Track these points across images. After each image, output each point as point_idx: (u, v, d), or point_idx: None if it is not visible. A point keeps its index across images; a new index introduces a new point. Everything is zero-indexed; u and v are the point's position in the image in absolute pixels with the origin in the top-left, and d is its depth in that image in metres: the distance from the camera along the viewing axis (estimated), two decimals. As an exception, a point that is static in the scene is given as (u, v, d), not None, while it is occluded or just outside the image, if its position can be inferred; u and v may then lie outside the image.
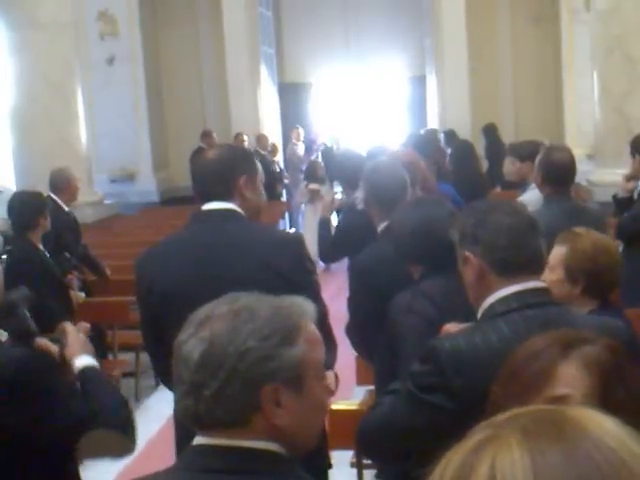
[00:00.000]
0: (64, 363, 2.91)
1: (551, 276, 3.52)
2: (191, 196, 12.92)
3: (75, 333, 3.00)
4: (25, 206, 6.28)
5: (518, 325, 2.61)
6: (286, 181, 17.07)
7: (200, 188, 3.47)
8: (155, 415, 7.30)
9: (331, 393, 1.99)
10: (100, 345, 6.47)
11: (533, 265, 2.72)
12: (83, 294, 7.61)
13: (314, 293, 3.24)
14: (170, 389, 3.21)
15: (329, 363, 2.67)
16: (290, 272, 3.26)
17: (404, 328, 3.38)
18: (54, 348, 2.98)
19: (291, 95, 20.49)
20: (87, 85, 13.94)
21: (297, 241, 3.47)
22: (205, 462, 1.81)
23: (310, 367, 1.86)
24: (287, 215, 16.52)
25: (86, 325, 6.58)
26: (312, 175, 15.14)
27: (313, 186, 14.78)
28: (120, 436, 2.78)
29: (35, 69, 12.70)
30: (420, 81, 19.79)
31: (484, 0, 17.99)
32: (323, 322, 2.99)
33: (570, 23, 16.35)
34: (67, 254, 7.16)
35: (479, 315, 2.75)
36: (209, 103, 19.23)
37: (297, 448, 1.89)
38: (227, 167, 3.41)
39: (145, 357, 8.17)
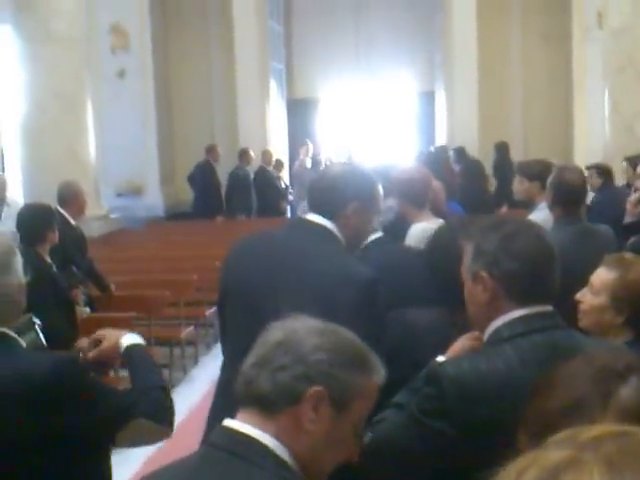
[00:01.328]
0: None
1: (594, 300, 3.46)
2: (190, 212, 12.98)
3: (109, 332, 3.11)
4: (34, 219, 6.28)
5: (525, 350, 2.58)
6: (291, 197, 17.08)
7: (311, 198, 3.49)
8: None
9: (355, 455, 2.06)
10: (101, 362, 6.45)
11: (548, 294, 2.69)
12: (88, 309, 7.60)
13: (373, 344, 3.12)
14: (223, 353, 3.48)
15: None
16: (343, 312, 3.00)
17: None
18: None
19: (299, 111, 20.51)
20: (97, 98, 13.97)
21: (368, 283, 3.22)
22: (224, 443, 1.95)
23: (358, 406, 2.00)
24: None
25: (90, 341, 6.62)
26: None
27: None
28: (156, 424, 2.86)
29: (46, 81, 12.73)
30: (429, 97, 19.84)
31: (495, 17, 18.03)
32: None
33: (581, 41, 16.37)
34: (74, 268, 7.16)
35: (485, 338, 2.73)
36: (217, 118, 19.28)
37: (304, 469, 1.96)
38: (343, 189, 3.39)
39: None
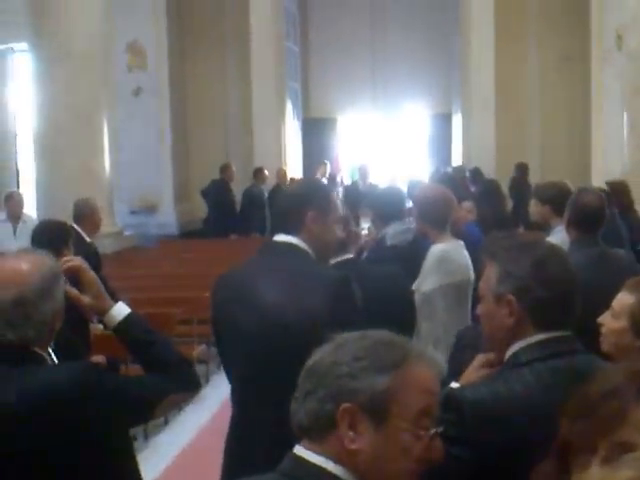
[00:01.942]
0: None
1: (614, 324, 3.41)
2: (204, 230, 13.03)
3: (93, 279, 3.00)
4: (49, 235, 6.26)
5: (544, 375, 2.55)
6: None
7: (273, 220, 3.70)
8: (162, 453, 7.29)
9: (432, 454, 1.98)
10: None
11: (570, 320, 2.66)
12: (101, 326, 7.56)
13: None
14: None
15: None
16: (329, 313, 3.23)
17: None
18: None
19: (315, 130, 20.55)
20: (112, 116, 14.01)
21: (338, 281, 3.39)
22: (289, 469, 1.94)
23: (400, 406, 1.90)
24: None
25: (102, 358, 6.59)
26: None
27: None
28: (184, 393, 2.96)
29: (62, 99, 12.79)
30: (445, 118, 19.85)
31: (513, 39, 18.04)
32: None
33: (599, 63, 16.30)
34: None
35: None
36: (233, 136, 19.34)
37: None
38: (297, 201, 3.50)
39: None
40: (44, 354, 2.73)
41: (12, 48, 19.74)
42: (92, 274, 2.99)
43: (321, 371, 1.91)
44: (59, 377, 2.65)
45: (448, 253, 5.01)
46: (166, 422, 7.96)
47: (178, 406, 2.91)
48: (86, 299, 2.97)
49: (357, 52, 19.99)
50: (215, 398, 9.02)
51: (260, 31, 17.80)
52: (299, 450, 1.94)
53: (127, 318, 3.00)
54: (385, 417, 1.88)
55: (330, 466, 1.88)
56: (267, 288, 3.37)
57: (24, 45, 15.87)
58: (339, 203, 3.63)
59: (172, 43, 18.49)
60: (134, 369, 7.59)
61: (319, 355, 1.95)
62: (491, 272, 2.68)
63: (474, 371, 2.82)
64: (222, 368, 3.76)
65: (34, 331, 2.68)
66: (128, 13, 17.28)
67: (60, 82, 12.78)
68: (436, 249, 5.01)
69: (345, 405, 1.87)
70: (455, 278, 4.91)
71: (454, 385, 2.79)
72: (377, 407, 1.88)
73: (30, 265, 2.70)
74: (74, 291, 2.94)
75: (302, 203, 3.46)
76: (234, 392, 3.57)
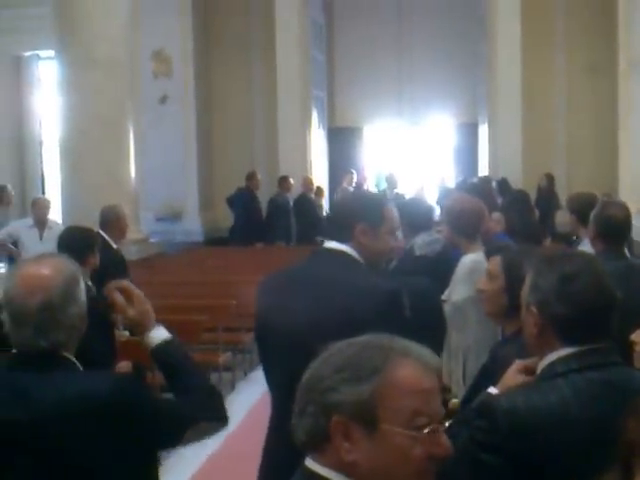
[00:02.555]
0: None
1: None
2: (229, 238, 13.05)
3: (142, 296, 3.01)
4: (76, 242, 6.27)
5: (579, 386, 2.55)
6: (331, 225, 17.05)
7: (324, 226, 3.74)
8: (188, 461, 7.28)
9: (437, 451, 1.93)
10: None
11: (602, 334, 2.65)
12: (127, 332, 7.57)
13: None
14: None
15: None
16: (375, 327, 3.18)
17: None
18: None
19: (340, 139, 20.54)
20: (138, 123, 14.06)
21: (388, 294, 3.38)
22: None
23: (388, 411, 1.87)
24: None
25: (128, 364, 6.60)
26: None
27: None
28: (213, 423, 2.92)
29: (88, 106, 12.83)
30: (471, 128, 19.81)
31: (540, 48, 17.99)
32: None
33: (627, 73, 16.22)
34: (113, 292, 7.15)
35: (538, 371, 2.69)
36: (258, 145, 19.38)
37: None
38: (346, 214, 3.58)
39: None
40: (73, 359, 2.74)
41: (38, 55, 19.89)
42: (141, 293, 3.01)
43: (309, 387, 1.93)
44: (98, 387, 2.65)
45: (479, 263, 4.99)
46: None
47: (202, 436, 2.85)
48: (132, 312, 2.99)
49: (383, 61, 19.97)
50: (241, 405, 9.03)
51: (286, 40, 17.82)
52: (309, 463, 1.95)
53: (167, 342, 2.99)
54: (375, 424, 1.87)
55: (336, 477, 1.90)
56: (312, 297, 3.37)
57: (50, 52, 15.97)
58: (394, 214, 3.63)
59: (198, 51, 18.58)
60: (160, 376, 7.63)
61: (309, 370, 1.96)
62: (527, 281, 2.73)
63: (512, 376, 2.83)
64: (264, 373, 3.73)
65: (64, 335, 2.70)
66: (154, 21, 17.36)
67: (86, 89, 12.83)
68: (467, 259, 5.00)
69: (336, 418, 1.87)
70: None
71: (492, 391, 2.80)
72: (365, 415, 1.87)
73: (52, 269, 2.72)
74: (121, 299, 2.96)
75: (351, 217, 3.51)
76: (272, 397, 3.63)
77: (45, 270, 2.71)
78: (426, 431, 1.88)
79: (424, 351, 1.97)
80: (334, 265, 3.48)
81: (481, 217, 5.23)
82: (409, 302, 3.66)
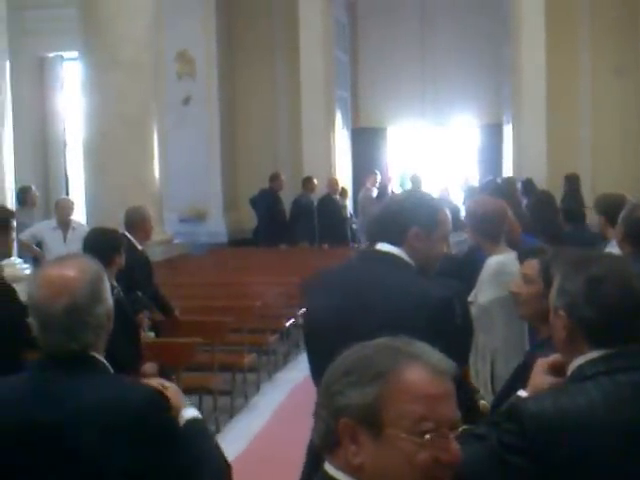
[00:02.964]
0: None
1: None
2: (253, 239, 13.05)
3: (173, 386, 2.99)
4: (101, 243, 6.30)
5: (607, 389, 2.54)
6: (354, 226, 17.07)
7: (372, 227, 3.60)
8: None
9: (445, 457, 1.91)
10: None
11: (633, 337, 2.65)
12: (152, 334, 7.62)
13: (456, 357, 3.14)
14: None
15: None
16: (425, 335, 3.11)
17: None
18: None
19: (364, 140, 20.52)
20: (161, 124, 14.10)
21: (440, 301, 3.30)
22: None
23: (393, 415, 1.88)
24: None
25: (154, 365, 6.64)
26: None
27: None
28: None
29: (112, 107, 12.87)
30: (495, 129, 19.75)
31: (565, 49, 17.92)
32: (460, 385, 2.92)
33: (654, 73, 16.21)
34: (139, 293, 7.19)
35: (567, 373, 2.70)
36: (282, 145, 19.40)
37: None
38: (401, 216, 3.47)
39: (208, 402, 8.21)
40: (102, 358, 2.74)
41: (62, 56, 19.96)
42: (173, 385, 2.96)
43: (322, 391, 1.98)
44: (129, 398, 2.64)
45: (504, 265, 5.00)
46: (218, 431, 7.99)
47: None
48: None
49: (406, 61, 19.92)
50: (266, 407, 9.07)
51: (309, 40, 17.82)
52: (326, 466, 1.97)
53: (195, 419, 2.89)
54: (380, 428, 1.89)
55: (343, 477, 1.93)
56: (361, 299, 3.33)
57: (74, 53, 16.04)
58: (448, 219, 3.57)
59: (221, 52, 18.62)
60: (187, 378, 7.68)
61: (325, 373, 2.00)
62: (555, 284, 2.73)
63: (539, 377, 2.83)
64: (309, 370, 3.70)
65: (93, 336, 2.70)
66: (178, 22, 17.45)
67: (110, 90, 12.88)
68: (492, 261, 5.00)
69: (343, 420, 1.90)
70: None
71: (522, 393, 2.81)
72: (370, 419, 1.89)
73: (76, 270, 2.71)
74: (161, 386, 2.89)
75: (405, 219, 3.43)
76: None
77: (69, 271, 2.71)
78: (429, 437, 1.88)
79: (436, 355, 1.97)
80: (385, 268, 3.41)
81: (503, 219, 5.22)
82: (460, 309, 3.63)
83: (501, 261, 5.01)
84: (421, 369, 1.92)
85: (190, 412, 2.84)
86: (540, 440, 2.49)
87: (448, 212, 3.59)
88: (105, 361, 2.75)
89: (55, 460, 2.60)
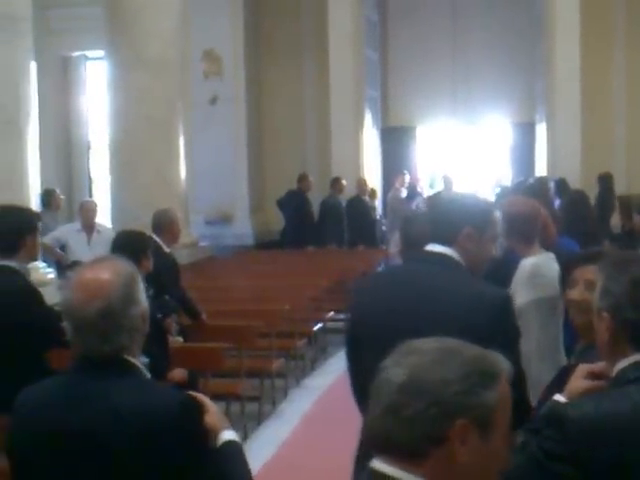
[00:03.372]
0: None
1: None
2: (280, 241, 13.04)
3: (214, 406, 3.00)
4: (129, 246, 6.32)
5: (651, 393, 2.52)
6: (384, 227, 17.05)
7: (430, 228, 3.60)
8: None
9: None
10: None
11: None
12: (181, 338, 7.63)
13: (512, 357, 3.14)
14: (360, 410, 3.45)
15: None
16: (490, 335, 3.04)
17: None
18: None
19: (394, 139, 20.51)
20: (187, 124, 14.11)
21: (498, 301, 3.34)
22: None
23: (499, 419, 1.95)
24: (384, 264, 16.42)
25: (183, 371, 6.65)
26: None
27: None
28: None
29: (138, 107, 12.87)
30: (528, 128, 19.69)
31: (599, 46, 17.84)
32: (518, 386, 2.91)
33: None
34: (167, 296, 7.20)
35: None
36: (310, 145, 19.41)
37: None
38: (454, 215, 3.51)
39: (236, 408, 8.21)
40: (136, 362, 2.75)
41: (85, 55, 20.06)
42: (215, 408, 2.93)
43: (431, 389, 1.91)
44: (161, 404, 2.66)
45: (539, 267, 4.99)
46: (245, 437, 7.99)
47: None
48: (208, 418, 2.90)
49: (438, 59, 19.89)
50: (294, 413, 9.07)
51: (339, 38, 17.83)
52: (379, 466, 1.95)
53: (230, 441, 2.88)
54: (490, 431, 1.92)
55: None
56: (414, 300, 3.34)
57: (98, 52, 16.11)
58: (498, 221, 3.65)
59: (248, 51, 18.65)
60: (214, 383, 7.70)
61: (414, 370, 1.94)
62: (598, 285, 2.72)
63: (577, 382, 2.83)
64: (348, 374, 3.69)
65: (128, 339, 2.71)
66: (205, 20, 17.48)
67: (136, 89, 12.87)
68: (527, 263, 4.99)
69: (460, 421, 1.89)
70: (547, 293, 4.88)
71: (559, 398, 2.79)
72: (486, 420, 1.91)
73: (110, 273, 2.72)
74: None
75: (458, 219, 3.46)
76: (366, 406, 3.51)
77: (103, 274, 2.72)
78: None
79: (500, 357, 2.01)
80: (438, 269, 3.43)
81: (538, 219, 5.21)
82: None
83: (536, 263, 5.00)
84: (504, 373, 1.99)
85: (229, 434, 2.84)
86: (582, 446, 2.47)
87: (499, 215, 3.63)
88: (140, 364, 2.76)
89: (87, 464, 2.63)
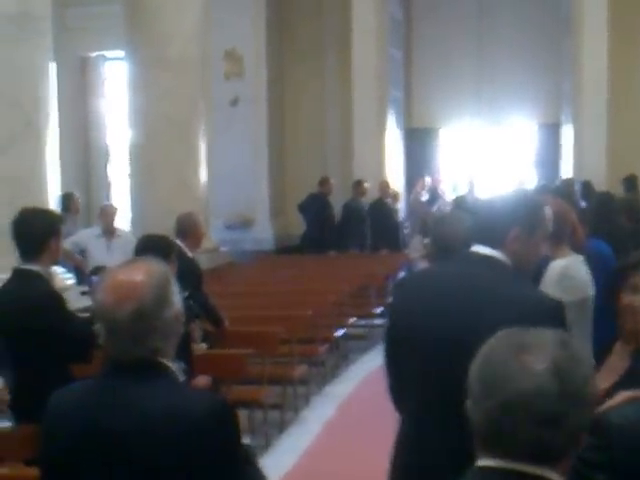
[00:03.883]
0: None
1: None
2: (299, 245, 12.99)
3: None
4: (153, 250, 6.30)
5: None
6: (406, 231, 17.03)
7: (475, 229, 3.54)
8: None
9: None
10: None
11: None
12: (204, 345, 7.64)
13: None
14: (399, 410, 3.47)
15: None
16: None
17: None
18: None
19: (417, 140, 20.50)
20: (208, 126, 14.10)
21: (554, 309, 3.25)
22: None
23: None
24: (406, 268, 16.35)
25: (207, 378, 6.68)
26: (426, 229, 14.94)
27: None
28: None
29: (158, 107, 12.86)
30: (553, 128, 19.65)
31: (628, 45, 17.76)
32: None
33: None
34: (190, 302, 7.21)
35: None
36: (331, 148, 19.38)
37: None
38: (501, 216, 3.43)
39: (258, 415, 8.23)
40: (170, 364, 2.75)
41: (104, 56, 20.09)
42: None
43: (574, 390, 1.93)
44: (194, 407, 2.67)
45: (568, 269, 5.00)
46: (267, 445, 8.02)
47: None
48: None
49: (462, 58, 19.84)
50: (316, 420, 9.08)
51: (363, 36, 17.82)
52: (488, 462, 1.99)
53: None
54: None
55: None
56: (467, 306, 3.26)
57: (117, 53, 16.14)
58: (550, 220, 3.52)
59: (270, 51, 18.65)
60: (237, 390, 7.73)
61: (556, 364, 1.95)
62: None
63: (623, 397, 2.81)
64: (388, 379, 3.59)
65: (161, 341, 2.72)
66: (227, 19, 17.42)
67: (156, 90, 12.87)
68: (556, 265, 4.98)
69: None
70: (576, 296, 4.87)
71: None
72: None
73: (142, 275, 2.73)
74: None
75: (506, 220, 3.38)
76: (404, 406, 3.48)
77: (136, 275, 2.73)
78: None
79: None
80: (484, 272, 3.35)
81: (566, 220, 5.20)
82: None
83: (565, 265, 5.00)
84: None
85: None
86: (626, 453, 2.49)
87: (550, 213, 3.52)
88: (173, 368, 2.77)
89: (120, 468, 2.65)
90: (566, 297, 4.81)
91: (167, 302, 2.74)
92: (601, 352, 3.68)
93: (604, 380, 3.13)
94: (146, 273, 2.75)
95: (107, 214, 11.62)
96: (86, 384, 2.87)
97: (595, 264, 5.18)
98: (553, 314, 3.16)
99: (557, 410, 1.91)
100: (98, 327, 2.76)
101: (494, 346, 2.05)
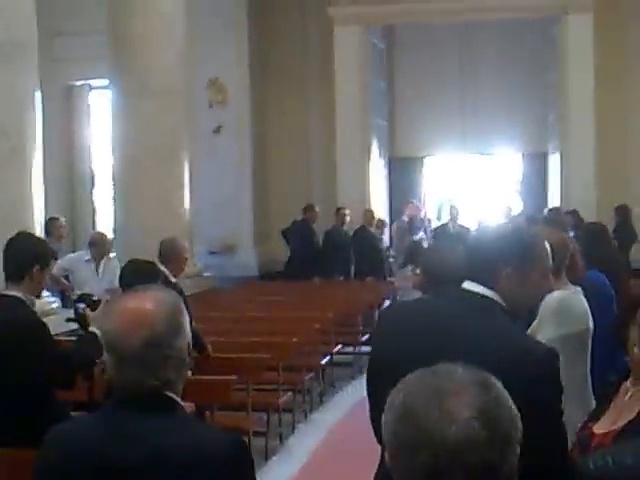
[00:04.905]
0: None
1: None
2: (283, 271, 12.95)
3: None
4: (139, 276, 6.28)
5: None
6: (391, 260, 16.99)
7: (467, 265, 3.31)
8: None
9: None
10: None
11: None
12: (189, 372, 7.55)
13: (557, 428, 2.97)
14: (380, 441, 3.31)
15: None
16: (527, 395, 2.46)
17: None
18: None
19: (402, 170, 20.50)
20: (192, 153, 14.10)
21: (546, 359, 3.00)
22: None
23: None
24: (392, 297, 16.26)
25: (191, 405, 6.56)
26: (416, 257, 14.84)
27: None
28: None
29: (142, 136, 12.91)
30: (539, 158, 19.67)
31: (613, 76, 17.75)
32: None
33: None
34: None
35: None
36: (315, 175, 19.37)
37: None
38: (491, 254, 3.20)
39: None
40: (179, 400, 2.64)
41: (89, 85, 20.12)
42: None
43: (509, 439, 1.75)
44: (211, 445, 2.56)
45: (566, 301, 4.89)
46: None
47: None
48: None
49: (446, 88, 19.82)
50: (301, 449, 8.99)
51: (345, 65, 17.92)
52: None
53: None
54: None
55: None
56: (456, 346, 2.96)
57: (101, 81, 16.11)
58: (547, 253, 3.27)
59: (254, 80, 18.68)
60: (221, 417, 7.62)
61: (490, 423, 1.74)
62: None
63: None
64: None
65: (174, 372, 2.61)
66: (210, 49, 17.51)
67: (140, 119, 12.93)
68: (553, 297, 4.79)
69: None
70: (573, 329, 4.79)
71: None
72: None
73: (154, 303, 2.61)
74: None
75: (495, 259, 3.16)
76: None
77: (146, 304, 2.62)
78: None
79: None
80: (474, 314, 3.13)
81: (565, 251, 5.09)
82: None
83: (563, 297, 4.88)
84: None
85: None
86: None
87: (548, 245, 3.28)
88: (181, 402, 2.66)
89: None
90: (564, 330, 4.74)
91: (180, 331, 2.63)
92: (602, 386, 3.59)
93: (612, 422, 3.02)
94: (157, 301, 2.63)
95: (103, 243, 11.49)
96: (91, 418, 2.77)
97: (593, 295, 5.08)
98: (544, 366, 2.95)
99: (490, 459, 1.71)
100: (106, 357, 2.64)
101: (411, 393, 1.85)
